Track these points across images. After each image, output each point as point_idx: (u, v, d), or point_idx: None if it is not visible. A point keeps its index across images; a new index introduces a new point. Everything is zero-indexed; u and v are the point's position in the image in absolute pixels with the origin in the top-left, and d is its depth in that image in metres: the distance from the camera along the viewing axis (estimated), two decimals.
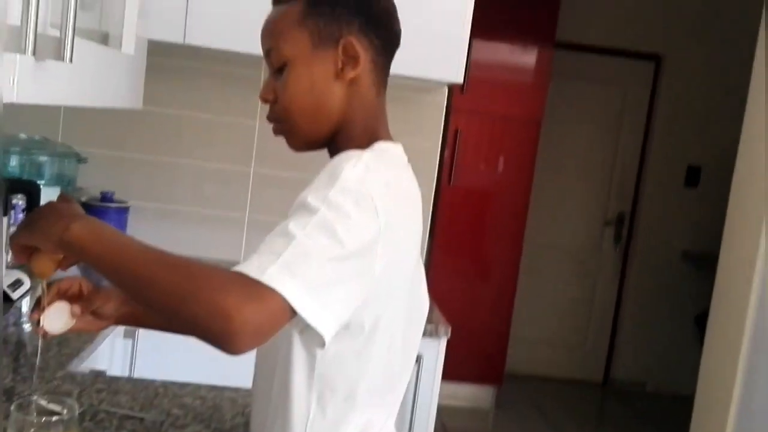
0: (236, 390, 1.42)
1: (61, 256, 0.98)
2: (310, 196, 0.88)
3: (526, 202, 4.18)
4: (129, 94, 1.34)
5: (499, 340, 4.22)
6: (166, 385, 1.42)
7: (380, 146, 1.02)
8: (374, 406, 1.01)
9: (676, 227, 4.75)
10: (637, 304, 4.82)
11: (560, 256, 4.83)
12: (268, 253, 0.83)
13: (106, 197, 2.48)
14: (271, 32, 1.04)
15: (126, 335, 1.99)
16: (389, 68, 1.08)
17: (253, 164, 2.62)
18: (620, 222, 4.82)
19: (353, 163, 0.92)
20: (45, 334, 1.07)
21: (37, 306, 1.07)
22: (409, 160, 1.07)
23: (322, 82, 1.02)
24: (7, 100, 0.75)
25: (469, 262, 4.15)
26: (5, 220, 1.89)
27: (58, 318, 1.07)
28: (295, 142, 1.06)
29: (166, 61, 2.47)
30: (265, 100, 1.06)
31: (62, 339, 1.58)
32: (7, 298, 1.77)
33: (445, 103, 2.72)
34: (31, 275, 1.50)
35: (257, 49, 1.07)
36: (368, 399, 1.00)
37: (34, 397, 1.02)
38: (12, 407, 0.99)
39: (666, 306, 4.74)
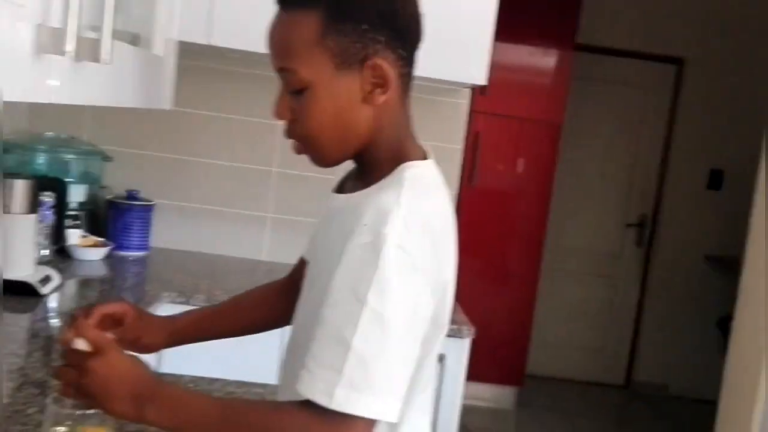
0: (264, 386, 1.43)
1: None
2: (358, 284, 0.85)
3: (547, 204, 4.17)
4: (159, 95, 1.36)
5: (520, 341, 4.21)
6: (195, 380, 1.43)
7: (412, 173, 0.95)
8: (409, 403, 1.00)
9: (698, 230, 4.72)
10: (659, 307, 4.79)
11: (581, 259, 4.81)
12: (328, 369, 0.84)
13: (131, 195, 2.51)
14: (284, 51, 0.94)
15: None
16: (414, 70, 1.00)
17: (275, 163, 2.64)
18: (642, 225, 4.79)
19: (392, 224, 0.87)
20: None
21: (71, 326, 0.94)
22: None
23: (348, 107, 0.94)
24: (44, 101, 0.77)
25: (490, 263, 4.15)
26: (35, 216, 1.93)
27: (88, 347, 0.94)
28: (321, 163, 1.01)
29: (191, 62, 2.50)
30: (281, 119, 0.98)
31: None
32: (36, 293, 1.81)
33: (468, 105, 2.72)
34: None
35: None
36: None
37: None
38: (47, 400, 1.01)
39: (688, 309, 4.71)
